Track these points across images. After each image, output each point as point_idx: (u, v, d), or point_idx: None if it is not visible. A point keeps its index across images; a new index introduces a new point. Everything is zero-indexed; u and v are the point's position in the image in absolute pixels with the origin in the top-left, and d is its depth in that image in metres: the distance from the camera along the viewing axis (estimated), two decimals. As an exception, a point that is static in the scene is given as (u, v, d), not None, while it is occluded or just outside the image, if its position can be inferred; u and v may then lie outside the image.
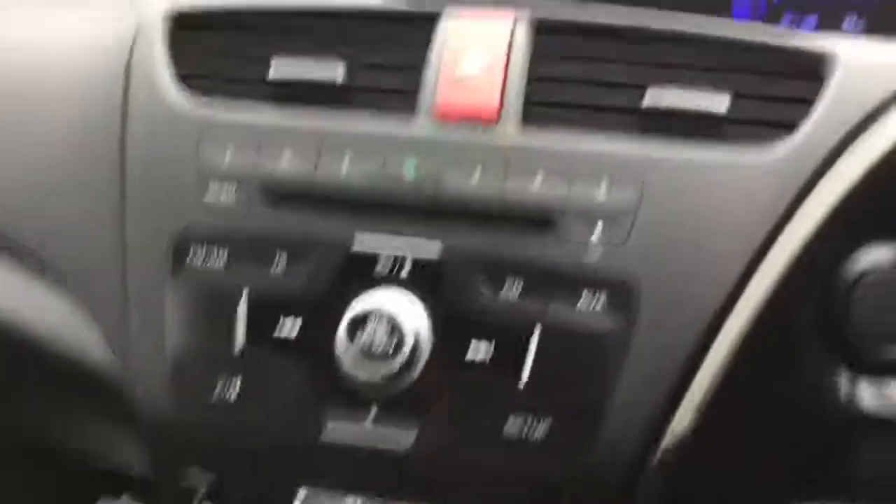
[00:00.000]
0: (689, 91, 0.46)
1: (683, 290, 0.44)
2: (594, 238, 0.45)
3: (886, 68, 0.48)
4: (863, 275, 0.46)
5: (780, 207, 0.45)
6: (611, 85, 0.48)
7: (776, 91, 0.47)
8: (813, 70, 0.49)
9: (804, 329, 0.47)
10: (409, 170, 0.48)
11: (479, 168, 0.47)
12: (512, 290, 0.46)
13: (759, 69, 0.48)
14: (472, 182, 0.47)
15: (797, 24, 0.72)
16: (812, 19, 0.71)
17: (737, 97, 0.47)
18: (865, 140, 0.45)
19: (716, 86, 0.47)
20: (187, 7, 0.57)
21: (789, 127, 0.47)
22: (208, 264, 0.49)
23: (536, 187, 0.46)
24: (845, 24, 0.71)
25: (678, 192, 0.45)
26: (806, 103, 0.47)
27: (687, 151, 0.46)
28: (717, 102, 0.46)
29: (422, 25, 0.52)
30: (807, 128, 0.46)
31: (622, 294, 0.45)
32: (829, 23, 0.70)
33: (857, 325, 0.46)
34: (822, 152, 0.45)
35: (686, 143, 0.46)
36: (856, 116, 0.46)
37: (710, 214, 0.45)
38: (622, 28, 0.51)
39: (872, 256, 0.47)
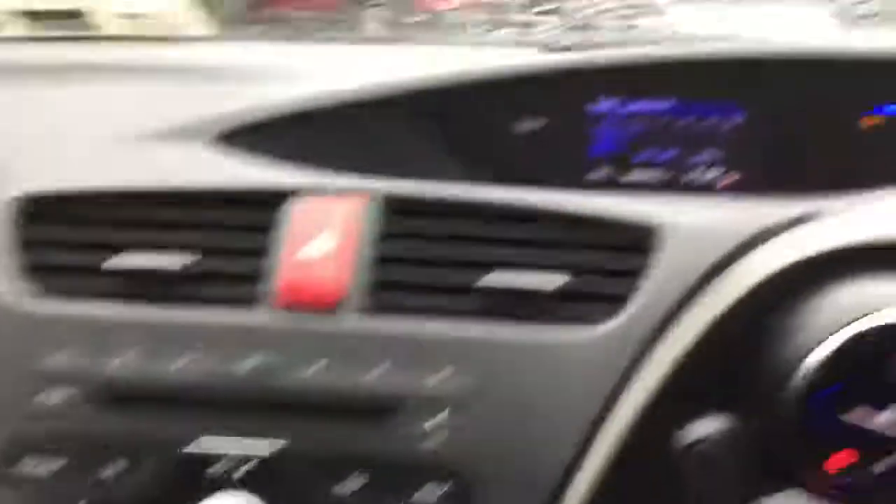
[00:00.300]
0: (525, 271, 0.48)
1: (521, 473, 0.45)
2: (434, 426, 0.46)
3: (711, 237, 0.51)
4: (692, 445, 0.47)
5: (611, 383, 0.46)
6: (454, 265, 0.50)
7: (607, 266, 0.49)
8: (641, 243, 0.51)
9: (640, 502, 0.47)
10: (247, 363, 0.48)
11: (319, 358, 0.47)
12: (352, 484, 0.46)
13: (592, 244, 0.50)
14: (312, 373, 0.47)
15: (655, 157, 0.76)
16: (669, 153, 0.75)
17: (572, 274, 0.49)
18: (690, 312, 0.47)
19: (551, 263, 0.49)
20: (34, 192, 0.57)
21: (621, 300, 0.48)
22: (38, 471, 0.47)
23: (377, 376, 0.46)
24: (701, 157, 0.75)
25: (515, 376, 0.46)
26: (635, 276, 0.49)
27: (524, 332, 0.48)
28: (551, 281, 0.48)
29: (266, 208, 0.53)
30: (634, 302, 0.48)
31: (462, 483, 0.45)
32: (681, 159, 0.74)
33: (689, 496, 0.46)
34: (648, 326, 0.47)
35: (522, 324, 0.48)
36: (681, 289, 0.48)
37: (544, 396, 0.46)
38: (467, 204, 0.53)
39: (701, 427, 0.48)
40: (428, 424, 0.46)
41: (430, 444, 0.46)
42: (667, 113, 0.73)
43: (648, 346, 0.47)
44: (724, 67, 0.72)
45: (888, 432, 0.50)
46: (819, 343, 0.44)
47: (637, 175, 0.75)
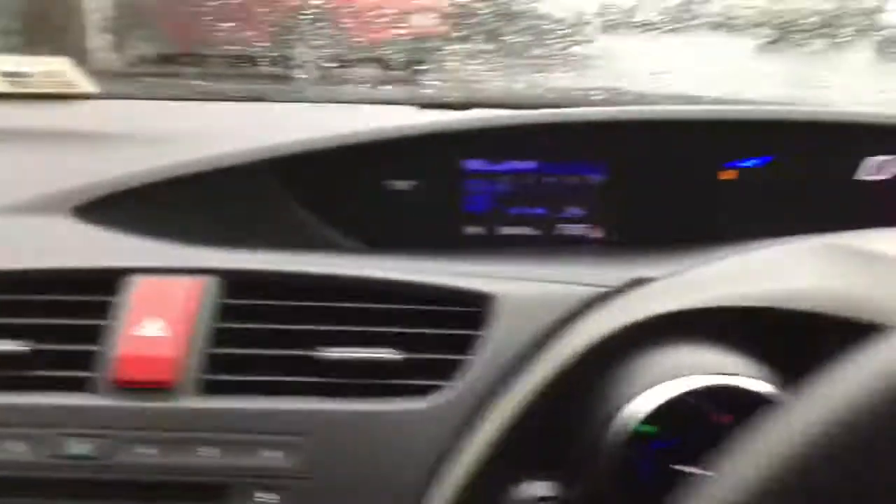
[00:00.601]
0: (361, 345, 0.50)
1: None
2: (266, 502, 0.47)
3: (543, 305, 0.53)
4: None
5: (442, 452, 0.48)
6: (291, 341, 0.51)
7: (442, 337, 0.51)
8: (475, 314, 0.53)
9: None
10: (80, 446, 0.48)
11: (153, 438, 0.48)
12: None
13: (427, 317, 0.52)
14: (146, 453, 0.47)
15: (526, 212, 0.79)
16: (538, 209, 0.79)
17: (407, 346, 0.51)
18: (519, 379, 0.49)
19: (388, 336, 0.51)
20: None
21: (455, 370, 0.50)
22: None
23: (211, 454, 0.47)
24: (569, 212, 0.79)
25: (348, 449, 0.47)
26: (469, 346, 0.51)
27: (358, 406, 0.49)
28: (386, 354, 0.50)
29: (105, 287, 0.53)
30: (467, 372, 0.50)
31: None
32: (550, 215, 0.78)
33: None
34: (480, 395, 0.49)
35: (358, 398, 0.49)
36: (512, 357, 0.50)
37: (376, 468, 0.47)
38: (305, 278, 0.55)
39: (527, 491, 0.50)
40: (261, 500, 0.47)
41: (264, 521, 0.47)
42: (534, 172, 0.76)
43: (479, 414, 0.49)
44: (587, 130, 0.76)
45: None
46: (629, 405, 0.47)
47: (509, 230, 0.79)
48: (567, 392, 0.48)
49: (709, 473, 0.27)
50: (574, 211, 0.77)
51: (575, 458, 0.48)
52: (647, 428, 0.55)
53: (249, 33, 1.09)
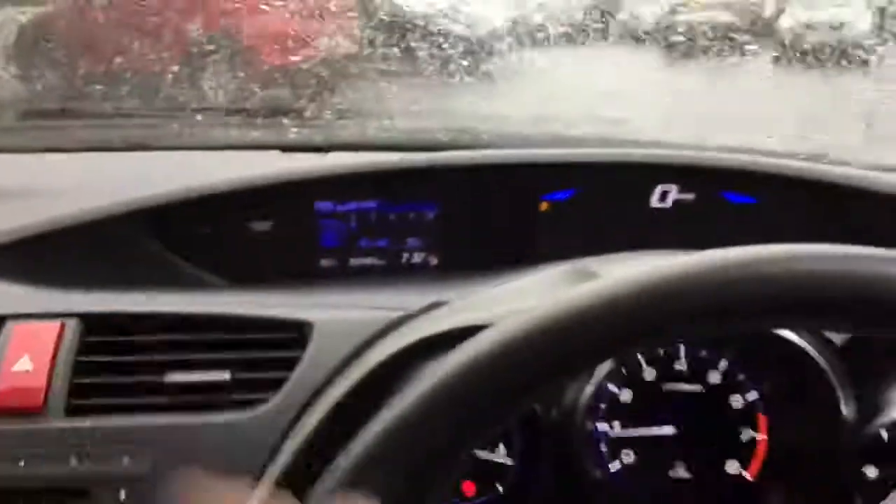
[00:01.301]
0: (199, 370, 0.62)
1: None
2: (119, 502, 0.58)
3: (354, 328, 0.66)
4: None
5: (263, 455, 0.59)
6: (141, 369, 0.63)
7: (266, 360, 0.64)
8: (294, 339, 0.66)
9: None
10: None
11: (27, 453, 0.59)
12: None
13: (256, 342, 0.65)
14: (20, 466, 0.58)
15: (374, 245, 0.93)
16: (383, 242, 0.93)
17: (237, 368, 0.63)
18: (325, 393, 0.62)
19: (222, 360, 0.63)
20: None
21: (276, 388, 0.63)
22: None
23: (74, 465, 0.58)
24: (409, 243, 0.93)
25: (186, 456, 0.59)
26: (290, 367, 0.64)
27: (195, 420, 0.61)
28: (220, 376, 0.62)
29: None
30: (284, 389, 0.63)
31: None
32: (394, 246, 0.91)
33: None
34: (294, 409, 0.62)
35: (195, 413, 0.61)
36: (323, 375, 0.63)
37: (210, 469, 0.59)
38: (151, 316, 0.67)
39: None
40: (115, 501, 0.58)
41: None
42: (376, 210, 0.90)
43: (293, 425, 0.61)
44: (420, 172, 0.90)
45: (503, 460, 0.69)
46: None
47: (360, 262, 0.92)
48: (360, 402, 0.60)
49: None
50: (414, 242, 0.91)
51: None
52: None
53: (132, 78, 1.19)
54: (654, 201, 0.92)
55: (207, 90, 1.09)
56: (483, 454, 0.69)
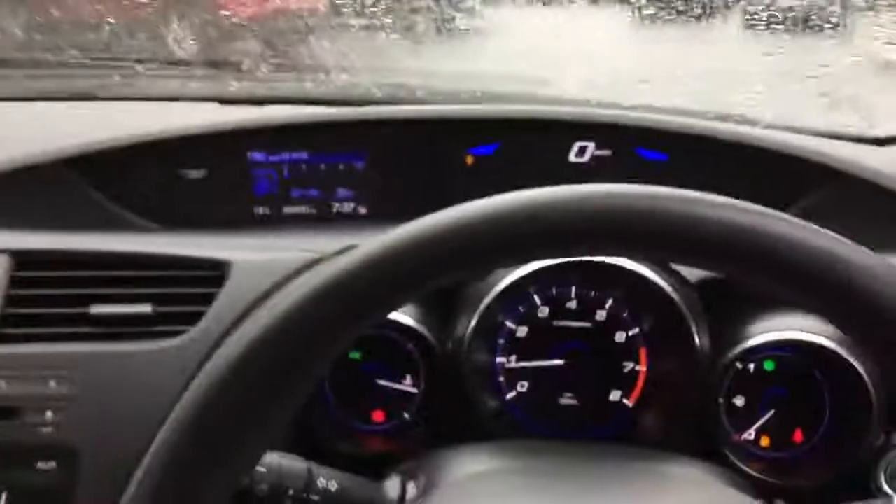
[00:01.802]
0: (120, 304, 0.68)
1: (118, 451, 0.64)
2: (49, 420, 0.64)
3: (269, 268, 0.72)
4: None
5: (182, 382, 0.66)
6: (69, 301, 0.68)
7: (186, 295, 0.70)
8: (213, 277, 0.72)
9: None
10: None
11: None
12: None
13: (177, 278, 0.71)
14: None
15: (305, 194, 0.98)
16: (314, 192, 0.98)
17: (159, 302, 0.69)
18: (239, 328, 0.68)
19: (146, 294, 0.69)
20: None
21: (194, 320, 0.69)
22: None
23: (8, 386, 0.64)
24: (339, 193, 0.99)
25: (110, 380, 0.65)
26: (209, 302, 0.70)
27: (118, 348, 0.67)
28: (142, 308, 0.68)
29: None
30: (202, 322, 0.69)
31: (70, 456, 0.64)
32: (325, 196, 0.97)
33: None
34: (211, 340, 0.68)
35: (119, 342, 0.67)
36: (240, 310, 0.69)
37: (133, 393, 0.65)
38: (79, 253, 0.72)
39: None
40: (44, 418, 0.64)
41: (47, 431, 0.65)
42: (307, 160, 0.95)
43: (210, 355, 0.67)
44: (349, 126, 0.95)
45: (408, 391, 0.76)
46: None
47: (293, 210, 0.97)
48: None
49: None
50: (344, 192, 0.97)
51: None
52: (355, 354, 0.76)
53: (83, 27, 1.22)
54: (573, 156, 0.98)
55: (151, 42, 1.12)
56: (391, 383, 0.76)
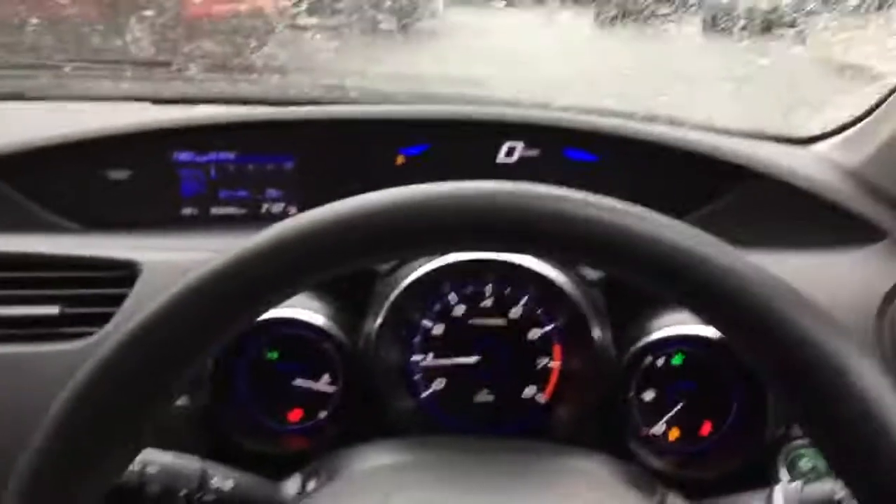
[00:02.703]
0: (26, 305, 0.69)
1: (16, 451, 0.64)
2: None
3: (177, 272, 0.73)
4: None
5: None
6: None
7: (95, 297, 0.71)
8: (123, 278, 0.73)
9: None
10: None
11: None
12: None
13: (84, 281, 0.72)
14: None
15: (234, 195, 0.99)
16: (243, 192, 0.99)
17: (68, 303, 0.70)
18: None
19: (49, 297, 0.70)
20: None
21: (102, 322, 0.70)
22: None
23: None
24: (268, 194, 1.00)
25: (14, 381, 0.66)
26: (119, 303, 0.71)
27: (21, 348, 0.68)
28: (47, 310, 0.69)
29: None
30: (110, 324, 0.70)
31: None
32: (254, 196, 0.98)
33: None
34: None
35: (25, 343, 0.68)
36: None
37: (34, 394, 0.66)
38: None
39: None
40: None
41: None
42: (235, 161, 0.96)
43: None
44: (277, 126, 0.96)
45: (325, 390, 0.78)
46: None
47: (221, 211, 0.98)
48: None
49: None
50: (273, 193, 0.98)
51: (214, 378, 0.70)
52: (273, 354, 0.77)
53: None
54: (502, 156, 1.00)
55: (81, 42, 1.13)
56: (307, 383, 0.77)
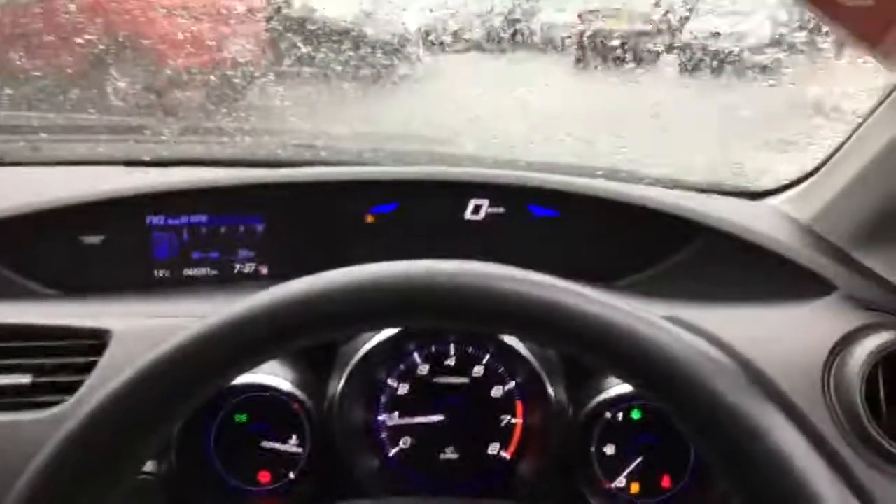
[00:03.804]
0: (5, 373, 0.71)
1: None
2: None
3: (149, 339, 0.76)
4: None
5: None
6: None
7: (66, 366, 0.74)
8: (94, 346, 0.76)
9: None
10: None
11: None
12: None
13: (55, 350, 0.75)
14: None
15: (206, 256, 1.02)
16: (215, 254, 1.03)
17: (38, 372, 0.73)
18: None
19: (21, 366, 0.72)
20: None
21: (72, 390, 0.73)
22: None
23: None
24: (240, 255, 1.04)
25: None
26: (89, 371, 0.74)
27: (1, 417, 0.70)
28: (18, 380, 0.71)
29: None
30: (79, 392, 0.73)
31: None
32: (226, 258, 1.01)
33: None
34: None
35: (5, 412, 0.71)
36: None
37: (5, 465, 0.68)
38: None
39: None
40: None
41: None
42: (206, 223, 1.00)
43: None
44: (248, 188, 1.00)
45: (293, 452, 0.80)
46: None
47: (193, 272, 1.02)
48: None
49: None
50: (244, 253, 1.01)
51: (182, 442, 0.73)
52: (241, 417, 0.80)
53: None
54: (469, 214, 1.04)
55: (55, 107, 1.16)
56: (275, 445, 0.80)
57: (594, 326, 0.44)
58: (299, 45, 1.36)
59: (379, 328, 0.74)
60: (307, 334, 0.45)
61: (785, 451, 0.40)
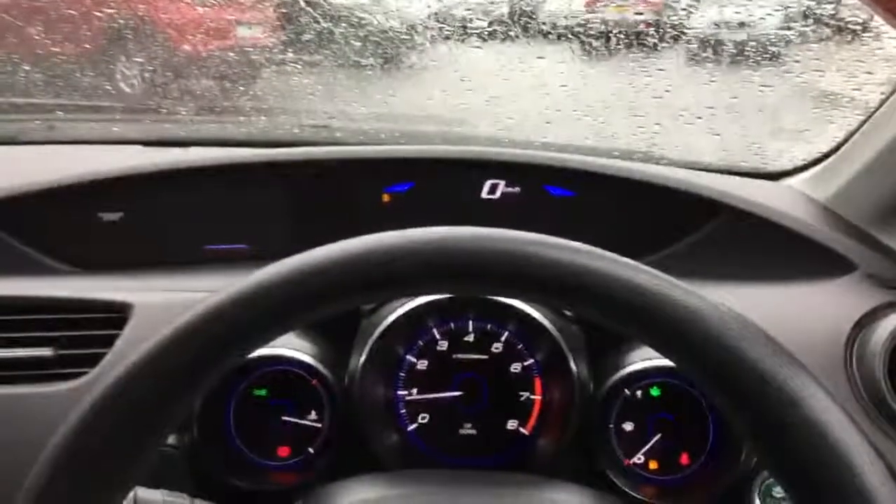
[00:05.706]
0: (21, 348, 0.71)
1: (9, 493, 0.66)
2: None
3: (167, 311, 0.76)
4: None
5: None
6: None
7: (88, 338, 0.74)
8: (116, 319, 0.76)
9: None
10: None
11: None
12: None
13: (77, 322, 0.75)
14: None
15: (223, 234, 1.02)
16: (231, 231, 1.02)
17: (62, 345, 0.72)
18: None
19: (43, 339, 0.72)
20: None
21: (95, 362, 0.73)
22: None
23: None
24: (256, 232, 1.03)
25: (11, 420, 0.68)
26: (111, 343, 0.74)
27: (17, 389, 0.70)
28: (41, 352, 0.71)
29: None
30: (101, 364, 0.72)
31: None
32: (242, 235, 1.01)
33: None
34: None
35: (18, 385, 0.70)
36: None
37: (25, 435, 0.67)
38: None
39: None
40: None
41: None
42: (222, 202, 0.99)
43: None
44: (269, 167, 1.00)
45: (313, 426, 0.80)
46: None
47: (210, 249, 1.01)
48: None
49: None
50: (261, 230, 1.01)
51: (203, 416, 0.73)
52: (261, 391, 0.80)
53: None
54: (485, 193, 1.04)
55: (73, 86, 1.16)
56: (295, 419, 0.80)
57: (643, 299, 0.43)
58: (315, 26, 1.35)
59: (407, 295, 0.74)
60: (341, 298, 0.44)
61: (822, 420, 0.39)
